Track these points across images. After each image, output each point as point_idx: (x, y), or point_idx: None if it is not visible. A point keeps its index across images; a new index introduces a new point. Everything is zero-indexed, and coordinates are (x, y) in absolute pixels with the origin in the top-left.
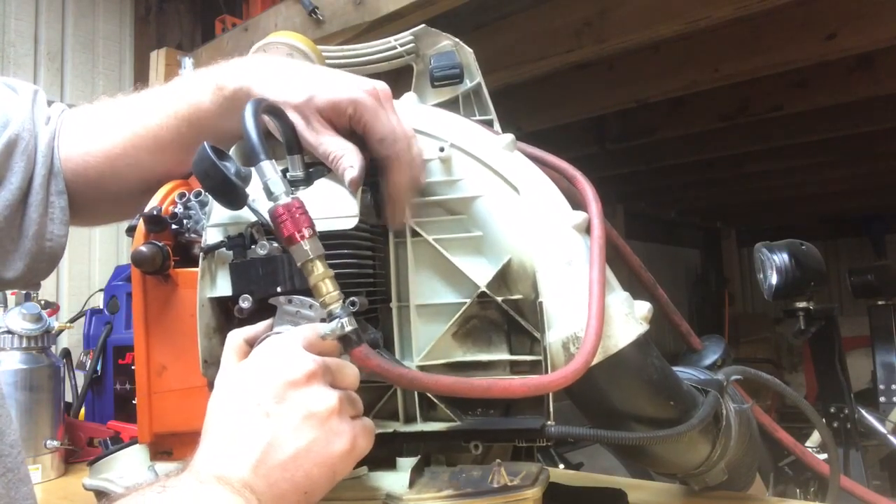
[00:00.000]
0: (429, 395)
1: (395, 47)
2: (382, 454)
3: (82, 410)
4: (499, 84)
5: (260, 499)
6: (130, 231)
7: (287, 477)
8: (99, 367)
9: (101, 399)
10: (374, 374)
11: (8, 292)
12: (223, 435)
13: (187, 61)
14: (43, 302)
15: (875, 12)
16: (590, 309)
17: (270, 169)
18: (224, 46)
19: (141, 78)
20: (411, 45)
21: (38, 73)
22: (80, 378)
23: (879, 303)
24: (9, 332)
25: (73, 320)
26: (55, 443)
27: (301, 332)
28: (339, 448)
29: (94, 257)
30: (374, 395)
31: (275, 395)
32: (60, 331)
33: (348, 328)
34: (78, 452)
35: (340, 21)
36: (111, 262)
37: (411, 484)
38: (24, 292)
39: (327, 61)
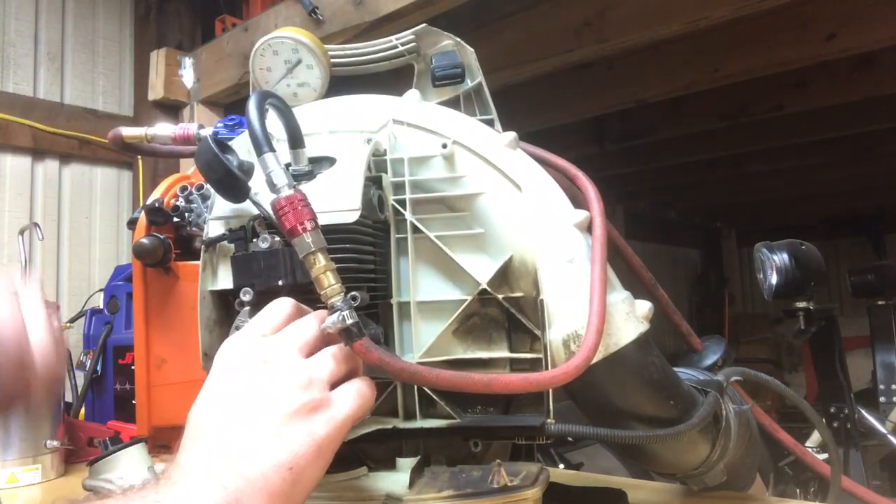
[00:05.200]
0: (428, 391)
1: (396, 46)
2: (382, 453)
3: (82, 410)
4: (499, 84)
5: (239, 485)
6: (132, 224)
7: (268, 454)
8: (99, 367)
9: (101, 399)
10: (374, 368)
11: None
12: (200, 436)
13: (187, 61)
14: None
15: (875, 12)
16: (591, 306)
17: (273, 161)
18: (224, 46)
19: (141, 78)
20: (412, 44)
21: (38, 73)
22: (80, 378)
23: (879, 303)
24: None
25: (73, 320)
26: (55, 443)
27: (254, 323)
28: (321, 420)
29: (94, 257)
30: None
31: (240, 384)
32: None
33: (350, 321)
34: (78, 452)
35: (340, 21)
36: (111, 262)
37: (411, 484)
38: None
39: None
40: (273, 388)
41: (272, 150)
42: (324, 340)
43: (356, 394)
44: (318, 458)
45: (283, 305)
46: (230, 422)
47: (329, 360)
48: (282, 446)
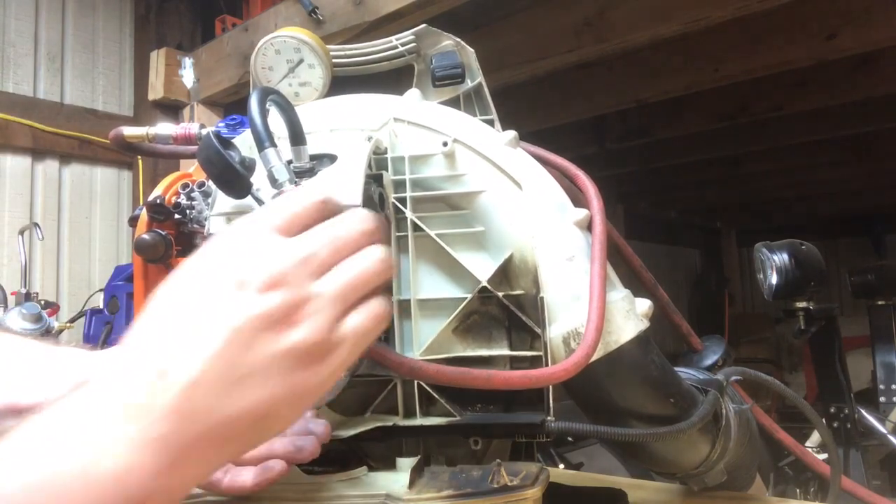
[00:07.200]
0: (428, 389)
1: (396, 47)
2: (382, 452)
3: None
4: (499, 84)
5: (191, 425)
6: (133, 221)
7: (242, 394)
8: None
9: None
10: (374, 362)
11: (8, 292)
12: (159, 333)
13: (187, 61)
14: (43, 302)
15: (875, 12)
16: (591, 303)
17: (275, 156)
18: (224, 46)
19: (141, 78)
20: (413, 44)
21: (38, 73)
22: None
23: (879, 303)
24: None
25: (73, 320)
26: None
27: (272, 213)
28: (319, 369)
29: (94, 257)
30: (374, 390)
31: (229, 294)
32: (60, 331)
33: None
34: None
35: (340, 21)
36: (111, 262)
37: (411, 484)
38: (24, 292)
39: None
40: (272, 317)
41: (274, 145)
42: (356, 248)
43: (365, 326)
44: (299, 410)
45: (308, 197)
46: (206, 334)
47: (350, 283)
48: (264, 390)
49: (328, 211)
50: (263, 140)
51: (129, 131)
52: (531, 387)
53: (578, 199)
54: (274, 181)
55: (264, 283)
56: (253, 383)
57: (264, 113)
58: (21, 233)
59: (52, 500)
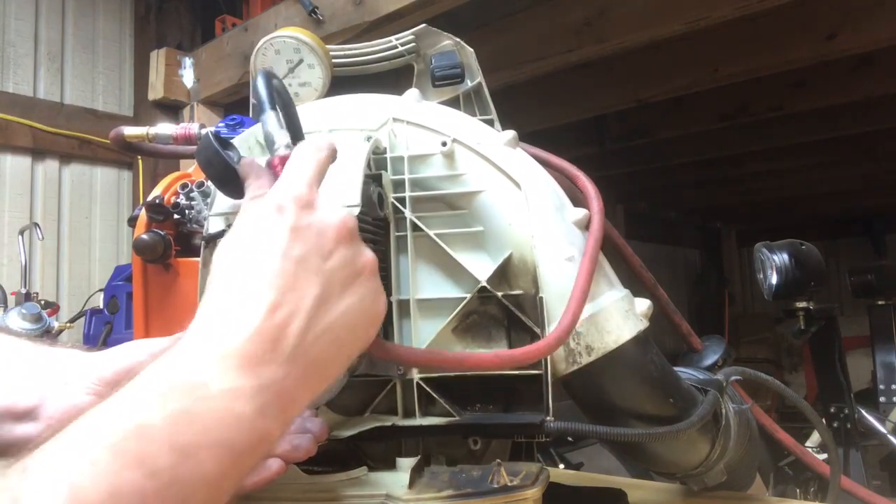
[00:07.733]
0: (428, 389)
1: (395, 47)
2: (382, 453)
3: None
4: (499, 84)
5: (296, 376)
6: (132, 221)
7: (333, 338)
8: None
9: None
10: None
11: (8, 292)
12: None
13: (187, 61)
14: (43, 302)
15: (875, 12)
16: (574, 290)
17: (274, 120)
18: (224, 46)
19: (141, 78)
20: (412, 44)
21: (38, 73)
22: None
23: (879, 303)
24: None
25: (73, 320)
26: None
27: (298, 180)
28: (381, 305)
29: (94, 257)
30: (373, 390)
31: (319, 251)
32: (60, 331)
33: None
34: None
35: (340, 21)
36: (111, 262)
37: (411, 484)
38: (24, 292)
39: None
40: (353, 264)
41: (274, 108)
42: None
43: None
44: (364, 348)
45: (319, 153)
46: (309, 291)
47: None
48: (352, 337)
49: (333, 158)
50: (264, 102)
51: (129, 131)
52: (502, 367)
53: (578, 199)
54: (271, 144)
55: (344, 235)
56: (335, 294)
57: (270, 82)
58: (21, 233)
59: (196, 442)
